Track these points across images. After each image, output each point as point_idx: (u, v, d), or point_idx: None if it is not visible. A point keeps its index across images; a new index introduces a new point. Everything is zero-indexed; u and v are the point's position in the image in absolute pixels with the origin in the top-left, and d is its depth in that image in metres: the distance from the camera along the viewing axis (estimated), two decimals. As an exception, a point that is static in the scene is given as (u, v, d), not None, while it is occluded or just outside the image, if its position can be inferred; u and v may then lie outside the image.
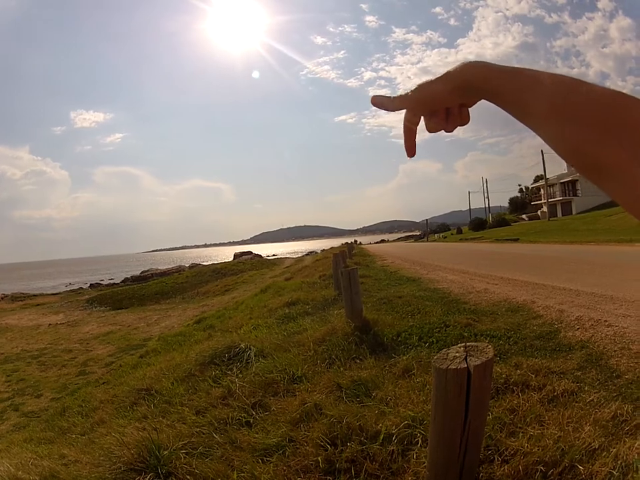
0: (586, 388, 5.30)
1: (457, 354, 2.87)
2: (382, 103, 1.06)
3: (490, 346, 2.92)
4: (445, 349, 2.99)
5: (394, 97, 1.05)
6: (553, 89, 0.81)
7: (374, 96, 1.07)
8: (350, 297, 8.64)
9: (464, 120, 1.06)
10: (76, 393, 12.61)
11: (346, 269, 9.74)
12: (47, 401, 14.05)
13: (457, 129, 1.08)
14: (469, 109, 1.04)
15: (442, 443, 3.08)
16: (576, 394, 5.16)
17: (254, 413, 5.44)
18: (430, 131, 1.08)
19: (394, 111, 1.05)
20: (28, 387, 15.94)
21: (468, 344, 3.00)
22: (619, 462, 3.67)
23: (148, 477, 4.10)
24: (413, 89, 1.01)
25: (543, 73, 0.84)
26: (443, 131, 1.08)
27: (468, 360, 2.77)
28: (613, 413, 4.53)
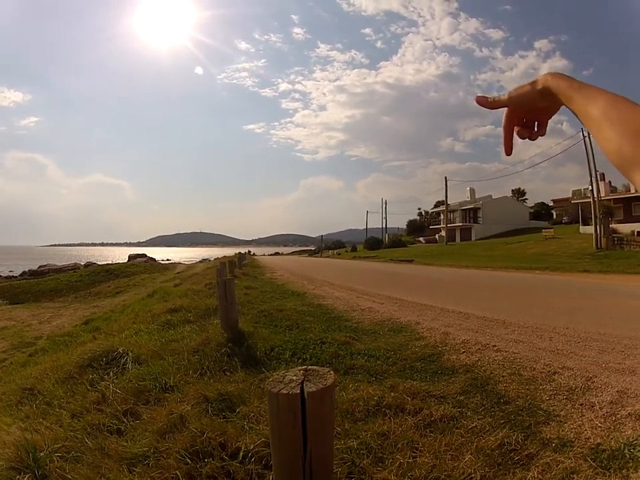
0: (469, 413, 5.27)
1: (295, 377, 2.76)
2: (483, 102, 1.39)
3: (332, 372, 2.79)
4: (283, 371, 2.83)
5: (494, 97, 1.38)
6: (607, 100, 1.09)
7: (478, 95, 1.38)
8: (225, 307, 8.67)
9: (543, 131, 1.39)
10: None
11: (223, 278, 9.78)
12: None
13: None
14: (552, 115, 1.37)
15: (282, 469, 2.77)
16: (457, 419, 5.13)
17: (125, 420, 5.39)
18: (520, 137, 1.39)
19: (493, 109, 1.37)
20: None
21: (309, 367, 2.90)
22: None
23: (26, 478, 4.13)
24: (510, 90, 1.34)
25: (602, 90, 1.14)
26: (528, 139, 1.40)
27: (304, 385, 2.66)
28: (499, 442, 4.51)
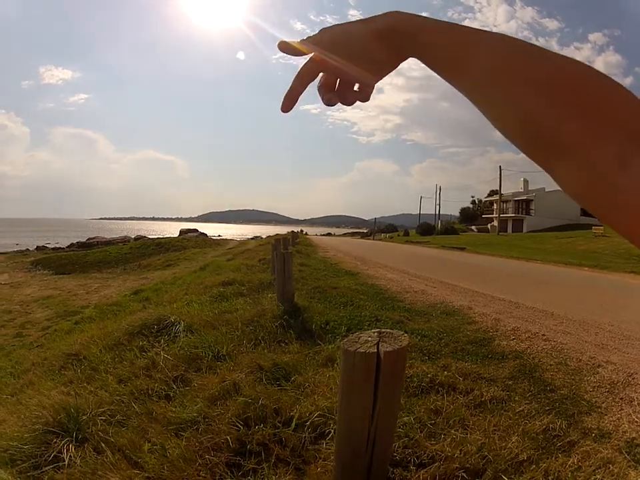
0: (516, 398, 5.32)
1: (369, 338, 2.80)
2: (287, 47, 0.87)
3: (405, 335, 2.86)
4: (357, 332, 2.89)
5: (302, 40, 0.87)
6: (503, 46, 0.70)
7: (280, 41, 0.88)
8: (282, 280, 8.74)
9: (367, 94, 0.91)
10: (11, 354, 12.25)
11: (282, 251, 9.81)
12: None
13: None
14: (389, 73, 0.87)
15: (348, 432, 3.04)
16: (505, 402, 5.18)
17: (174, 386, 5.41)
18: (328, 103, 0.91)
19: (299, 55, 0.86)
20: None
21: (383, 330, 2.94)
22: (549, 478, 3.69)
23: (64, 441, 4.05)
24: (324, 29, 0.86)
25: (486, 31, 0.73)
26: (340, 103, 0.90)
27: (380, 345, 2.71)
28: (544, 427, 4.54)
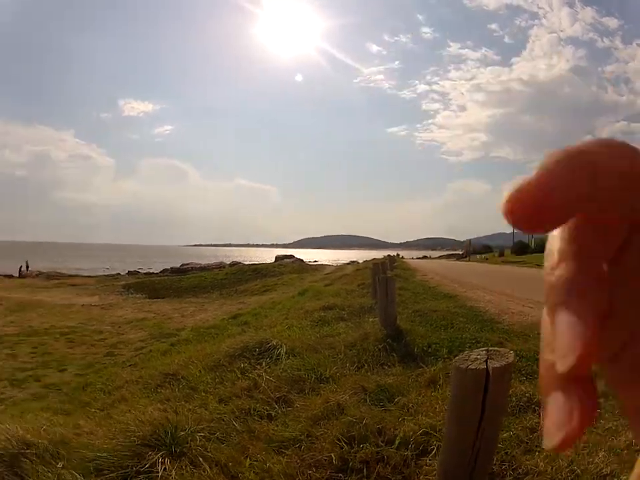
0: (606, 415, 5.26)
1: (478, 356, 2.85)
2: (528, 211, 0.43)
3: (511, 352, 2.91)
4: (467, 351, 2.96)
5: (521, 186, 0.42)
6: None
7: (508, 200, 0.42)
8: (385, 305, 8.72)
9: None
10: (101, 371, 12.71)
11: (384, 276, 9.86)
12: (70, 375, 13.99)
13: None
14: None
15: (454, 443, 3.08)
16: (595, 420, 5.06)
17: (277, 406, 5.49)
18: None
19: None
20: (52, 361, 15.95)
21: (490, 348, 2.98)
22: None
23: (160, 454, 4.15)
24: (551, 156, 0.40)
25: None
26: None
27: (488, 362, 2.77)
28: (628, 442, 4.56)
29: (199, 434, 4.62)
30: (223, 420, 5.14)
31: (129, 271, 64.97)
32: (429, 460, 4.02)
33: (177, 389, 6.72)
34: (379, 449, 4.19)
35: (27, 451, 4.51)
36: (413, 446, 4.23)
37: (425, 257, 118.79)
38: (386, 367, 6.94)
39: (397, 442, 4.30)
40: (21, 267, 58.14)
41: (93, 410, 6.73)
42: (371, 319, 9.98)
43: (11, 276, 54.21)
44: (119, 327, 21.80)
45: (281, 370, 6.72)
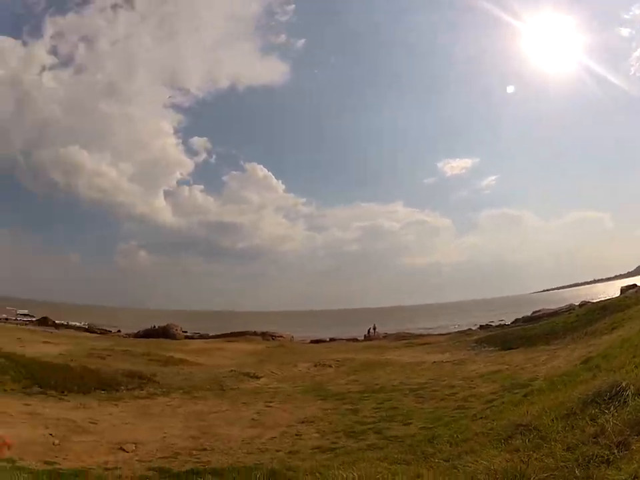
0: None
1: None
2: None
3: None
4: None
5: None
6: None
7: None
8: None
9: None
10: (450, 424, 13.07)
11: None
12: (415, 429, 14.64)
13: None
14: None
15: None
16: None
17: (615, 451, 5.35)
18: None
19: None
20: (398, 415, 16.87)
21: None
22: None
23: None
24: None
25: None
26: None
27: None
28: None
29: (543, 483, 4.67)
30: (567, 467, 5.20)
31: (480, 325, 65.29)
32: None
33: (527, 439, 6.83)
34: None
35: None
36: None
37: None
38: None
39: None
40: (369, 329, 61.32)
41: (437, 460, 7.06)
42: None
43: (355, 339, 58.92)
44: (471, 380, 22.35)
45: (627, 413, 6.48)
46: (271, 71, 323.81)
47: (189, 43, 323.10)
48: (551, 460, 5.57)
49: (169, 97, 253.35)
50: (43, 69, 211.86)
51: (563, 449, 5.98)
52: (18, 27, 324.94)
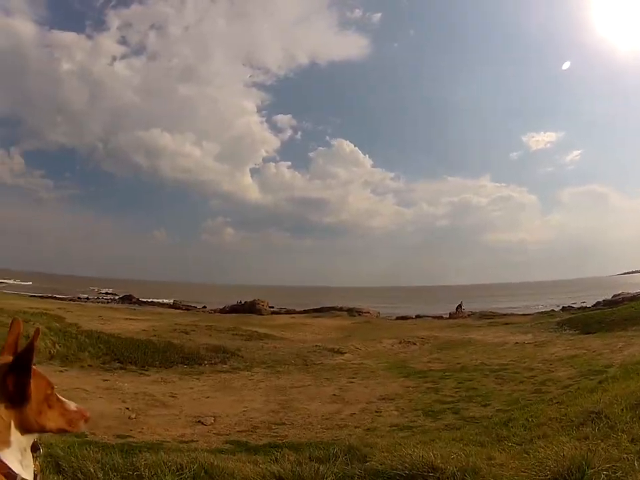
0: None
1: None
2: None
3: None
4: None
5: None
6: None
7: None
8: None
9: None
10: (526, 408, 13.23)
11: None
12: (492, 410, 14.98)
13: None
14: None
15: None
16: None
17: None
18: None
19: None
20: (476, 396, 17.27)
21: None
22: None
23: None
24: None
25: None
26: None
27: None
28: None
29: (604, 472, 5.00)
30: (628, 459, 5.35)
31: (562, 307, 63.75)
32: None
33: (597, 427, 7.03)
34: None
35: (430, 474, 5.37)
36: None
37: None
38: None
39: None
40: (457, 306, 61.36)
41: (510, 444, 7.39)
42: None
43: (440, 317, 59.20)
44: (550, 364, 22.42)
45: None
46: (350, 46, 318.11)
47: (264, 22, 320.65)
48: (615, 451, 5.64)
49: (250, 76, 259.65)
50: (114, 59, 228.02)
51: (628, 440, 6.06)
52: (80, 23, 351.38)
